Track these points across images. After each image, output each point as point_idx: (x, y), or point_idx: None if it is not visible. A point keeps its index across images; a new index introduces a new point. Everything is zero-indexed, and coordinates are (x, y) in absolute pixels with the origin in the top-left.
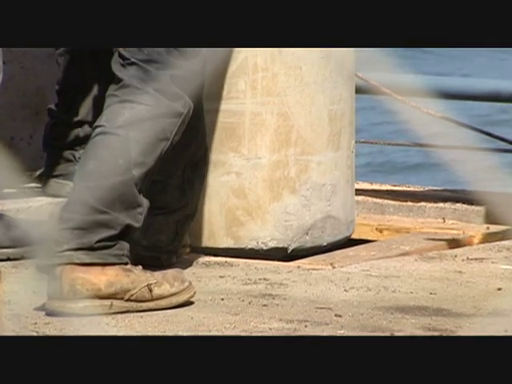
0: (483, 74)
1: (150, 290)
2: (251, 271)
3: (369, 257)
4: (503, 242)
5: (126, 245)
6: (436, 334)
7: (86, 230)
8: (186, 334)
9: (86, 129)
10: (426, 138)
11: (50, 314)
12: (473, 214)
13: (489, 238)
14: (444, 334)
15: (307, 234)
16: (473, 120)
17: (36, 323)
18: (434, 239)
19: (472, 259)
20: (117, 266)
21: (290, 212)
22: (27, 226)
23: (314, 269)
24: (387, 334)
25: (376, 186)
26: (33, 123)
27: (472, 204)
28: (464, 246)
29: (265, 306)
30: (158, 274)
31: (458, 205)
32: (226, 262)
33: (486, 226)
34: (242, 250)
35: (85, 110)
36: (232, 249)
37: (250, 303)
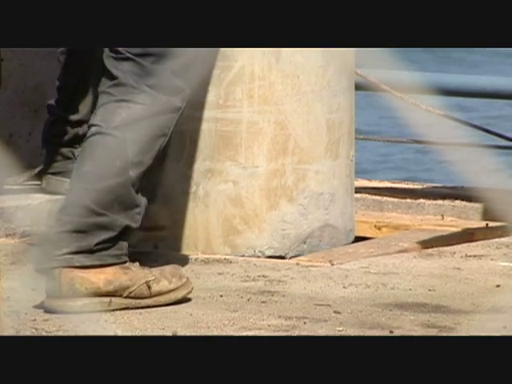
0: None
1: (149, 287)
2: (250, 268)
3: (368, 254)
4: (502, 239)
5: (125, 243)
6: (435, 330)
7: (84, 232)
8: (184, 330)
9: (86, 128)
10: (424, 134)
11: (48, 311)
12: (472, 211)
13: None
14: (443, 331)
15: (305, 242)
16: (471, 117)
17: (35, 320)
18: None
19: (471, 256)
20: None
21: (287, 221)
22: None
23: (312, 266)
24: (386, 330)
25: (375, 183)
26: (32, 120)
27: (471, 201)
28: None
29: (264, 302)
30: (156, 271)
31: (457, 202)
32: (225, 259)
33: (484, 222)
34: None
35: (85, 109)
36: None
37: (248, 300)
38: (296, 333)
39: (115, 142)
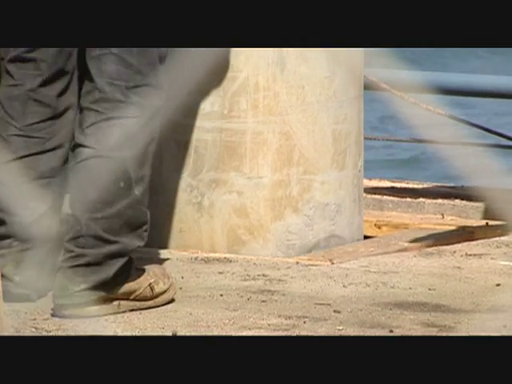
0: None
1: (152, 289)
2: (250, 267)
3: (367, 253)
4: (502, 238)
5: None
6: (435, 329)
7: (100, 264)
8: (184, 329)
9: None
10: (425, 133)
11: (57, 315)
12: (472, 210)
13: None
14: (443, 330)
15: (310, 253)
16: (472, 116)
17: (35, 319)
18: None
19: (471, 255)
20: None
21: (292, 231)
22: None
23: (312, 265)
24: (386, 329)
25: (375, 182)
26: None
27: (471, 200)
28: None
29: (264, 301)
30: (150, 272)
31: (457, 201)
32: (225, 258)
33: (484, 221)
34: None
35: None
36: None
37: (248, 299)
38: (296, 332)
39: (115, 164)
